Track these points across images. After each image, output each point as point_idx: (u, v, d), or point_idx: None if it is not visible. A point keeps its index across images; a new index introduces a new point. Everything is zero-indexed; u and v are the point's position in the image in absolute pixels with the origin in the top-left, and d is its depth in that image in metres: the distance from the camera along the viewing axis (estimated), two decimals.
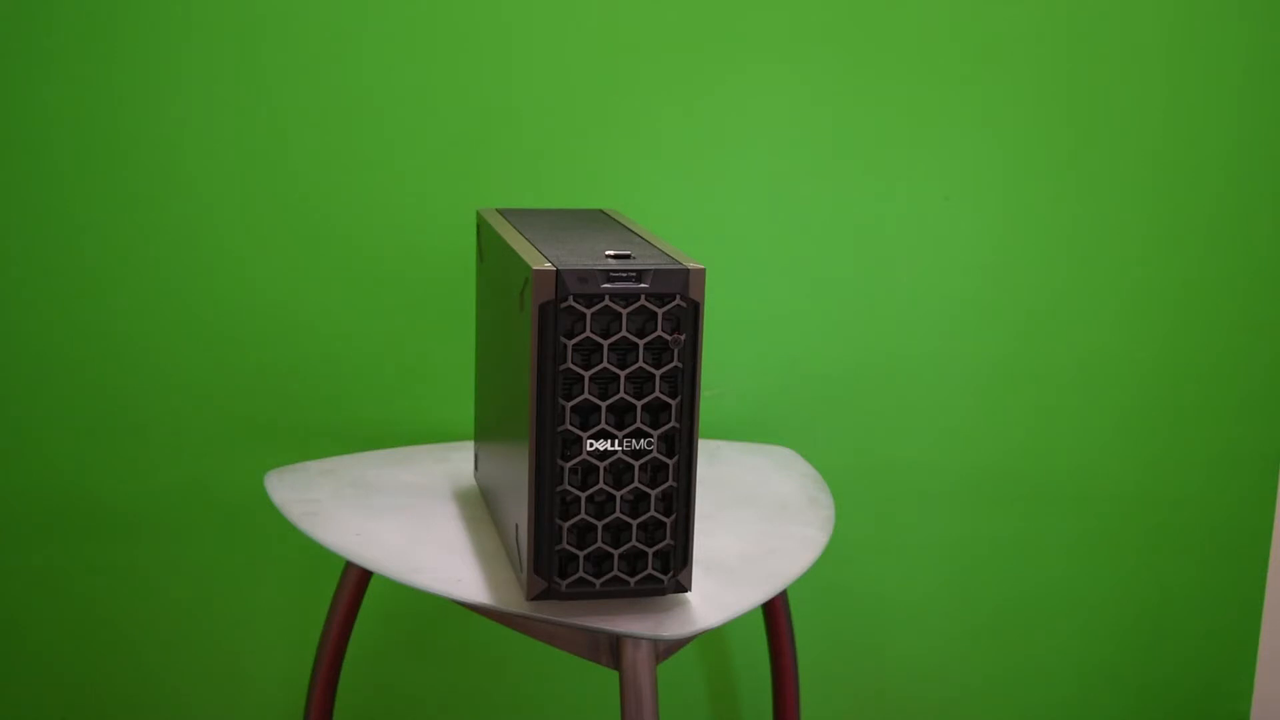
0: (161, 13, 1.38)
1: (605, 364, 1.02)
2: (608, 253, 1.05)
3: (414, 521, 1.23)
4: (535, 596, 1.05)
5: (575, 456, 1.03)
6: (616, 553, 1.05)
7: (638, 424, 1.03)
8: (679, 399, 1.03)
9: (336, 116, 1.42)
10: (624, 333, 1.01)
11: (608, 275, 1.01)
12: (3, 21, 1.37)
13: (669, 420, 1.03)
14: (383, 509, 1.25)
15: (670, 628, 1.04)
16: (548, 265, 1.01)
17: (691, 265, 1.02)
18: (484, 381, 1.25)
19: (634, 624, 1.04)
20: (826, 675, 1.63)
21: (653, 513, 1.05)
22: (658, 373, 1.02)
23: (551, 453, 1.02)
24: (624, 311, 1.01)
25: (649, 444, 1.03)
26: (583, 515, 1.04)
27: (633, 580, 1.05)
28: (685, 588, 1.07)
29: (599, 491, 1.04)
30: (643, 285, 1.01)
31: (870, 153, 1.49)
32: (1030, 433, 1.58)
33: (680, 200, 1.48)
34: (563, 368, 1.01)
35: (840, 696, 1.64)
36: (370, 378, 1.48)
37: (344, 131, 1.42)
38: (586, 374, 1.02)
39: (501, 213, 1.25)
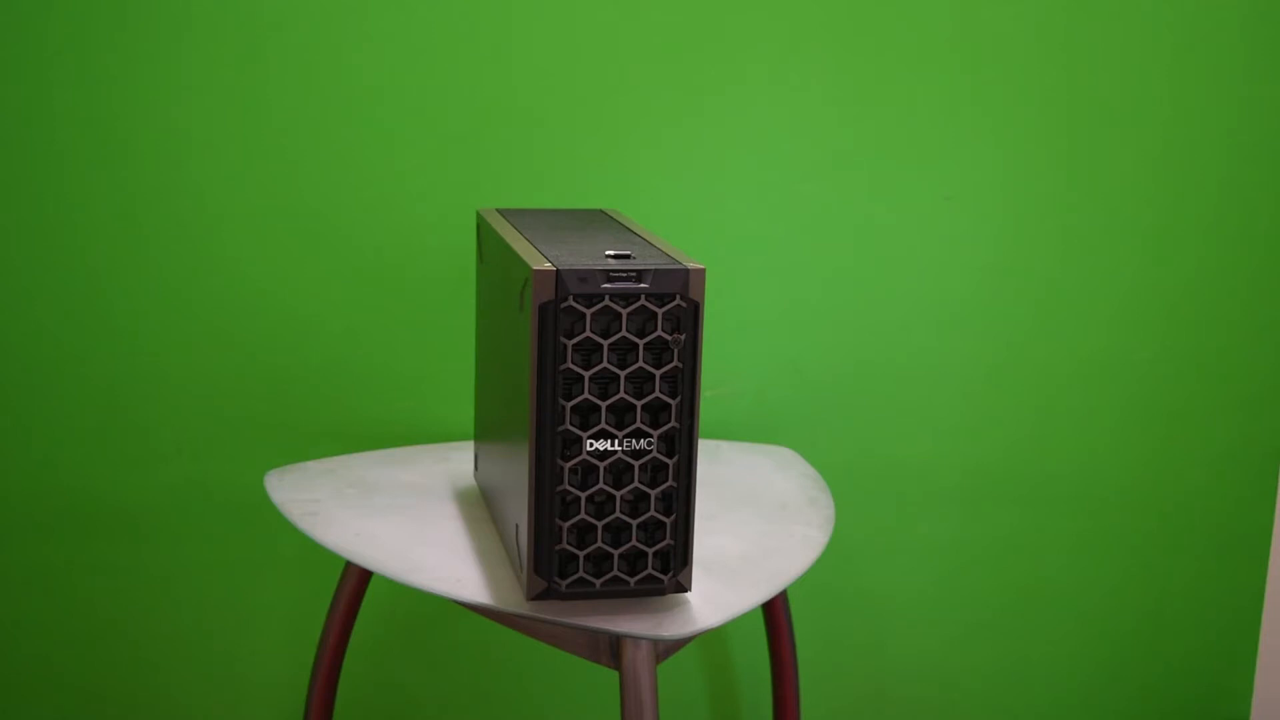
0: (162, 14, 1.38)
1: (605, 364, 1.02)
2: (608, 253, 1.05)
3: (414, 521, 1.23)
4: (535, 596, 1.05)
5: (575, 456, 1.03)
6: (616, 553, 1.05)
7: (638, 424, 1.03)
8: (679, 399, 1.03)
9: (336, 116, 1.42)
10: (624, 333, 1.01)
11: (608, 275, 1.01)
12: (4, 21, 1.37)
13: (669, 420, 1.03)
14: (383, 509, 1.25)
15: (670, 628, 1.04)
16: (548, 265, 1.01)
17: (691, 265, 1.02)
18: (484, 381, 1.25)
19: (634, 624, 1.04)
20: (826, 674, 1.63)
21: (653, 513, 1.05)
22: (658, 373, 1.02)
23: (551, 453, 1.02)
24: (624, 311, 1.01)
25: (649, 444, 1.03)
26: (583, 515, 1.04)
27: (633, 580, 1.05)
28: (685, 588, 1.07)
29: (599, 491, 1.04)
30: (643, 285, 1.01)
31: (870, 153, 1.49)
32: (1030, 433, 1.58)
33: (680, 200, 1.48)
34: (563, 368, 1.01)
35: (840, 696, 1.64)
36: (370, 378, 1.48)
37: (344, 131, 1.42)
38: (586, 374, 1.02)
39: (501, 213, 1.25)
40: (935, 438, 1.57)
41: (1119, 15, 1.49)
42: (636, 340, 1.02)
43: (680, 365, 1.03)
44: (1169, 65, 1.51)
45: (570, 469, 1.03)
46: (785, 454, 1.46)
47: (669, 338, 1.02)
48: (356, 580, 1.34)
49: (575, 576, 1.05)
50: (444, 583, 1.11)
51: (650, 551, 1.05)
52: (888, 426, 1.56)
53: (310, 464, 1.36)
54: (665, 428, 1.03)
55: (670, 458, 1.04)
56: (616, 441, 1.03)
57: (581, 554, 1.05)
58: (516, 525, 1.09)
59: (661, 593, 1.07)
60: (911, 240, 1.52)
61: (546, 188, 1.46)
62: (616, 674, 1.38)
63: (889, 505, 1.58)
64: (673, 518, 1.05)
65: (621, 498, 1.04)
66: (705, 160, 1.47)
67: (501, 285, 1.14)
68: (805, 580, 1.51)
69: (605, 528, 1.04)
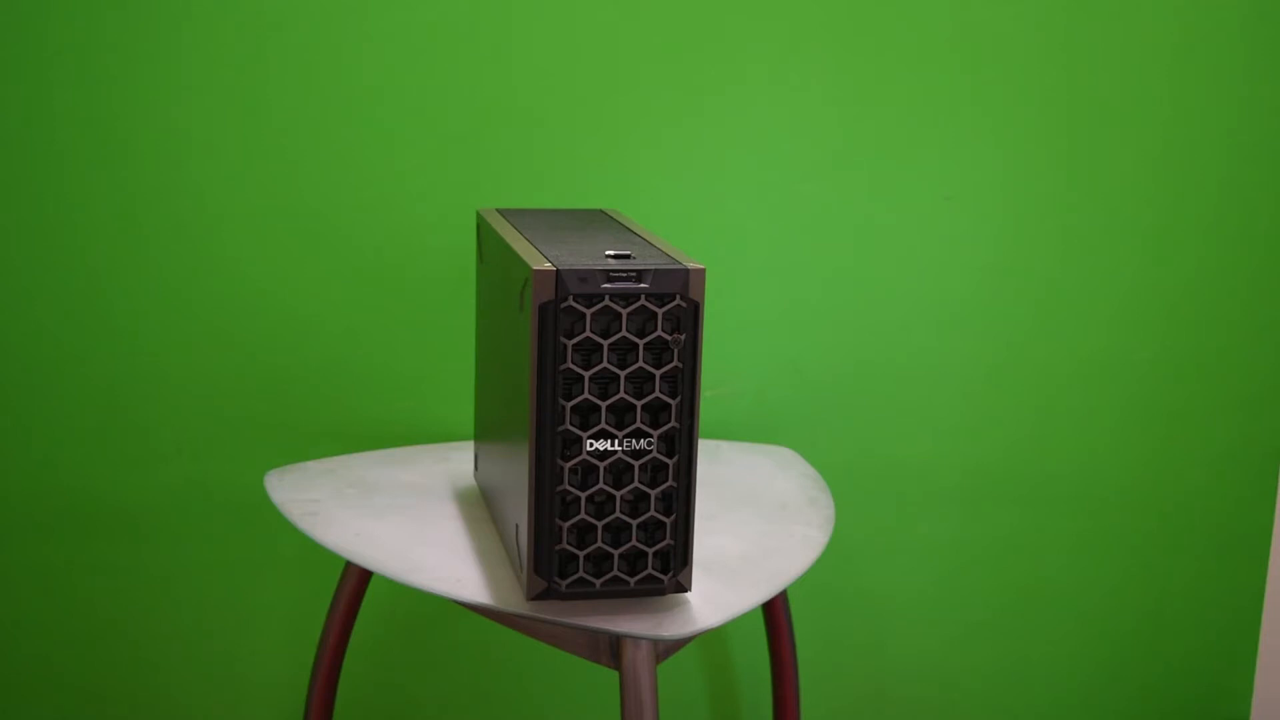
0: (162, 14, 1.38)
1: (605, 364, 1.02)
2: (608, 253, 1.05)
3: (414, 521, 1.23)
4: (535, 596, 1.05)
5: (575, 456, 1.03)
6: (616, 553, 1.05)
7: (638, 424, 1.03)
8: (679, 399, 1.03)
9: (337, 116, 1.42)
10: (624, 333, 1.01)
11: (608, 275, 1.01)
12: (4, 21, 1.37)
13: (669, 420, 1.03)
14: (383, 509, 1.25)
15: (670, 628, 1.04)
16: (548, 265, 1.01)
17: (691, 265, 1.02)
18: (484, 381, 1.25)
19: (634, 624, 1.04)
20: (826, 674, 1.63)
21: (653, 513, 1.05)
22: (658, 373, 1.02)
23: (551, 453, 1.02)
24: (624, 311, 1.01)
25: (649, 444, 1.03)
26: (583, 515, 1.04)
27: (633, 580, 1.05)
28: (685, 588, 1.07)
29: (599, 491, 1.04)
30: (643, 285, 1.01)
31: (871, 153, 1.49)
32: (1030, 433, 1.58)
33: (680, 200, 1.48)
34: (563, 368, 1.01)
35: (840, 696, 1.64)
36: (370, 378, 1.48)
37: (344, 131, 1.42)
38: (586, 374, 1.02)
39: (501, 213, 1.25)
40: (935, 438, 1.57)
41: (1119, 15, 1.49)
42: (636, 340, 1.02)
43: (680, 365, 1.03)
44: (1169, 65, 1.51)
45: (570, 469, 1.03)
46: (785, 454, 1.46)
47: (669, 338, 1.02)
48: (356, 580, 1.34)
49: (575, 576, 1.05)
50: (444, 583, 1.11)
51: (650, 551, 1.05)
52: (888, 426, 1.56)
53: (310, 464, 1.36)
54: (665, 428, 1.03)
55: (670, 458, 1.04)
56: (616, 441, 1.03)
57: (581, 554, 1.05)
58: (516, 525, 1.09)
59: (661, 593, 1.07)
60: (911, 240, 1.52)
61: (546, 188, 1.46)
62: (616, 674, 1.38)
63: (889, 505, 1.58)
64: (673, 518, 1.05)
65: (621, 498, 1.04)
66: (705, 160, 1.47)
67: (501, 285, 1.14)
68: (805, 580, 1.51)
69: (605, 528, 1.04)
